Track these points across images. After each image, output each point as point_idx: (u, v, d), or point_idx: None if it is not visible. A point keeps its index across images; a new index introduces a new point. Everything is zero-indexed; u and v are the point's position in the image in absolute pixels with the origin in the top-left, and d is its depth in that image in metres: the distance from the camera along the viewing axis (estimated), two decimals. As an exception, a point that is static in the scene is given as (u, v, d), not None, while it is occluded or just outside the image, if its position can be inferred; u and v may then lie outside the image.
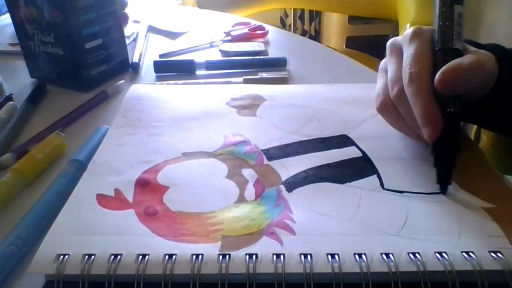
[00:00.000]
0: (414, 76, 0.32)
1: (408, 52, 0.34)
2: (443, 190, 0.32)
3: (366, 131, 0.40)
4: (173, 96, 0.48)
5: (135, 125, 0.42)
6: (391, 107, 0.36)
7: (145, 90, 0.49)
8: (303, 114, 0.44)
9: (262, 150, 0.38)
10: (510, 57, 0.37)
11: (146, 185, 0.33)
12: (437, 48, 0.34)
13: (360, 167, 0.35)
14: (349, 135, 0.40)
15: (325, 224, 0.29)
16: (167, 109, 0.45)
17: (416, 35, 0.35)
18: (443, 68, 0.32)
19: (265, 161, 0.36)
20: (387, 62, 0.38)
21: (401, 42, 0.37)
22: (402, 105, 0.34)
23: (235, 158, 0.37)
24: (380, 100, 0.37)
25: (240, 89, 0.50)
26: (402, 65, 0.34)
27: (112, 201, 0.32)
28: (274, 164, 0.36)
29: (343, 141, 0.39)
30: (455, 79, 0.31)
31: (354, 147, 0.38)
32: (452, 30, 0.34)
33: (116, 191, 0.33)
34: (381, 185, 0.33)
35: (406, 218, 0.29)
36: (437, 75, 0.32)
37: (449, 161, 0.32)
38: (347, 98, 0.46)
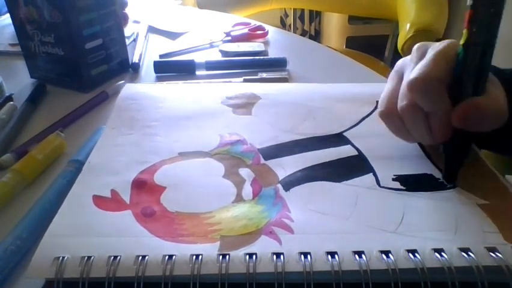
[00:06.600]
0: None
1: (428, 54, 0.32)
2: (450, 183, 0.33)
3: (362, 129, 0.41)
4: (168, 95, 0.48)
5: (130, 125, 0.41)
6: (394, 116, 0.34)
7: (139, 89, 0.49)
8: (299, 112, 0.44)
9: (258, 149, 0.38)
10: None
11: (143, 186, 0.33)
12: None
13: (356, 165, 0.35)
14: (344, 134, 0.40)
15: (323, 222, 0.29)
16: (162, 108, 0.45)
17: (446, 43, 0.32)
18: (466, 102, 0.30)
19: (262, 160, 0.36)
20: (406, 65, 0.34)
21: (428, 47, 0.33)
22: (407, 119, 0.33)
23: (231, 157, 0.37)
24: (384, 107, 0.34)
25: (235, 87, 0.49)
26: None
27: (109, 202, 0.32)
28: (270, 163, 0.36)
29: (339, 140, 0.39)
30: (475, 119, 0.30)
31: (349, 145, 0.38)
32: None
33: (113, 192, 0.33)
34: (378, 182, 0.33)
35: (403, 215, 0.30)
36: (455, 110, 0.30)
37: (457, 162, 0.33)
38: (342, 97, 0.46)
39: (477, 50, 0.30)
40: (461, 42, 0.31)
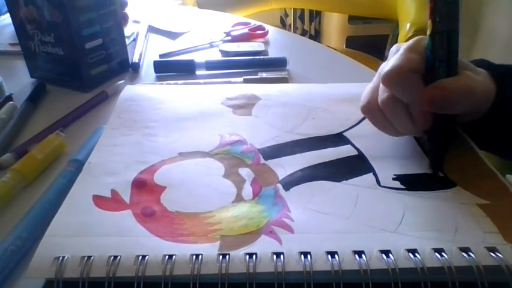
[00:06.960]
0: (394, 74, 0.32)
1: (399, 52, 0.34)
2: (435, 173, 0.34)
3: (361, 129, 0.41)
4: (168, 96, 0.48)
5: (130, 125, 0.42)
6: (375, 109, 0.35)
7: (140, 90, 0.49)
8: (299, 113, 0.44)
9: (258, 149, 0.38)
10: None
11: (143, 186, 0.33)
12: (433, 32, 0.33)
13: (356, 165, 0.35)
14: (344, 134, 0.40)
15: (323, 222, 0.29)
16: (162, 109, 0.45)
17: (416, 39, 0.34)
18: (431, 85, 0.32)
19: (262, 160, 0.36)
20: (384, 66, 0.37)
21: (400, 47, 0.35)
22: (389, 112, 0.34)
23: (231, 157, 0.37)
24: (366, 101, 0.36)
25: (235, 88, 0.50)
26: None
27: (109, 202, 0.32)
28: (270, 163, 0.36)
29: (338, 140, 0.39)
30: (442, 100, 0.31)
31: (349, 145, 0.38)
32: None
33: (113, 191, 0.33)
34: (378, 182, 0.33)
35: (403, 215, 0.30)
36: (425, 91, 0.32)
37: (441, 149, 0.34)
38: (342, 97, 0.46)
39: (443, 38, 0.32)
40: (428, 33, 0.33)
